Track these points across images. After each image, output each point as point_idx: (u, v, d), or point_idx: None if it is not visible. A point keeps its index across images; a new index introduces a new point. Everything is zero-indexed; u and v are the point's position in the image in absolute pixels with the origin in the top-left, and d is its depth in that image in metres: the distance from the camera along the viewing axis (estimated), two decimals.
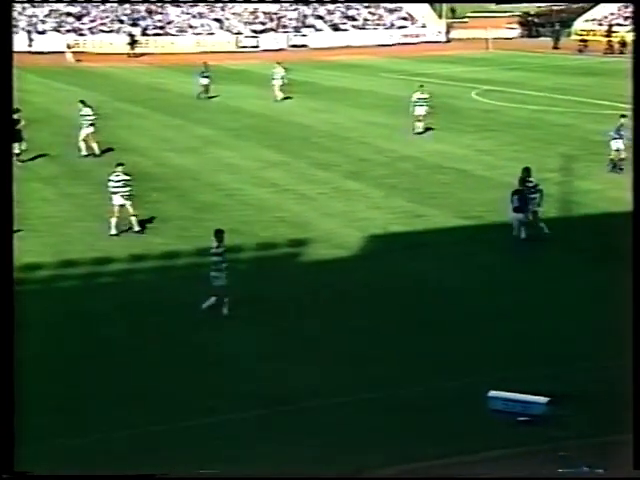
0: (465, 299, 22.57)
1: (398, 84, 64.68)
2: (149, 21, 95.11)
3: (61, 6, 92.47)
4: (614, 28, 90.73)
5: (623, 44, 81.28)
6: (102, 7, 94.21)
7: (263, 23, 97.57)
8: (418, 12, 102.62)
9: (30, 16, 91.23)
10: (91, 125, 39.27)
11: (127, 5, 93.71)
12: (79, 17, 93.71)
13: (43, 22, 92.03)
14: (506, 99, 55.80)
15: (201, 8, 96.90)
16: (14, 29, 74.76)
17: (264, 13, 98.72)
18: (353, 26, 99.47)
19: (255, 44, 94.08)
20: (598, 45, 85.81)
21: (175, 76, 72.15)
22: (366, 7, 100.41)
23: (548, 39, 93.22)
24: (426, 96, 43.97)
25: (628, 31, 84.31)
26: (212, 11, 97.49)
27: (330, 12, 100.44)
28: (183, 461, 14.62)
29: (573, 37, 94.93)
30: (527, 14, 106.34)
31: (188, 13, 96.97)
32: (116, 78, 71.25)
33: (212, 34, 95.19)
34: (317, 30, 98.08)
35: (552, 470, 14.20)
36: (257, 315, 21.30)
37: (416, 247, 26.93)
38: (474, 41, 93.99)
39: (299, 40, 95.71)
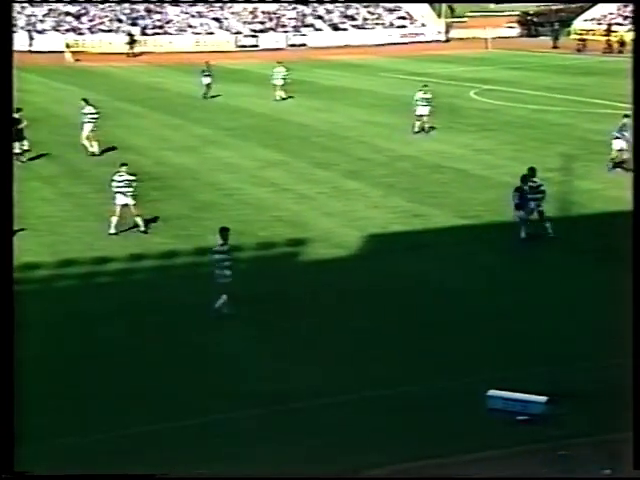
0: (465, 299, 22.55)
1: (397, 83, 64.75)
2: (148, 20, 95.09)
3: (60, 5, 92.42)
4: (613, 27, 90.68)
5: (622, 43, 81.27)
6: (101, 6, 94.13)
7: (262, 22, 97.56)
8: (417, 12, 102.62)
9: (29, 15, 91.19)
10: (93, 124, 39.29)
11: (126, 4, 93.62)
12: (78, 16, 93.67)
13: (42, 21, 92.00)
14: (505, 98, 55.79)
15: (200, 7, 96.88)
16: (13, 28, 74.64)
17: (263, 12, 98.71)
18: (352, 25, 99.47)
19: (254, 43, 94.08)
20: (597, 44, 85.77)
21: (174, 75, 72.16)
22: (365, 7, 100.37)
23: (547, 38, 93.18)
24: (429, 96, 43.96)
25: (627, 30, 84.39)
26: (211, 10, 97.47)
27: (329, 11, 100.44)
28: (183, 461, 14.62)
29: (572, 36, 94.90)
30: (526, 13, 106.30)
31: (187, 12, 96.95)
32: (115, 77, 71.26)
33: (211, 33, 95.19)
34: (316, 29, 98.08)
35: (551, 469, 14.20)
36: (257, 315, 21.28)
37: (415, 247, 26.91)
38: (473, 40, 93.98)
39: (298, 39, 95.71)
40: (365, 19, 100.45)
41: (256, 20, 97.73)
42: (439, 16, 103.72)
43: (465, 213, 29.89)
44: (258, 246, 26.65)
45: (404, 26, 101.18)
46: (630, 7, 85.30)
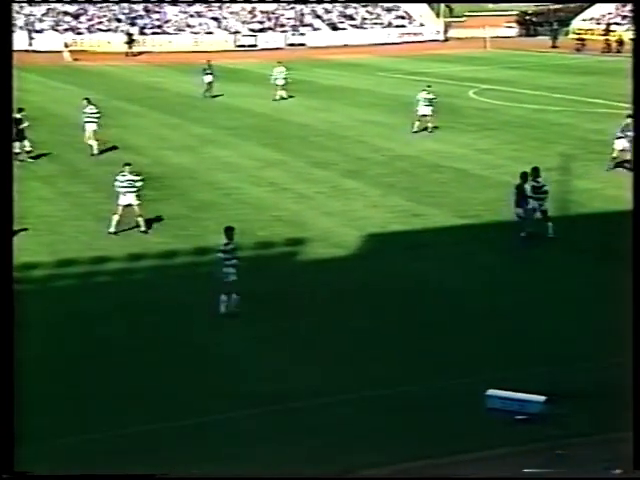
0: (465, 299, 22.54)
1: (396, 83, 64.79)
2: (147, 20, 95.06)
3: (59, 5, 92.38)
4: (612, 27, 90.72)
5: (621, 43, 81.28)
6: (100, 6, 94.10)
7: (261, 22, 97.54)
8: (416, 11, 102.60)
9: (28, 15, 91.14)
10: (94, 123, 39.30)
11: (125, 4, 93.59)
12: (77, 16, 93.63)
13: (41, 21, 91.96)
14: (504, 98, 55.78)
15: (199, 7, 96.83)
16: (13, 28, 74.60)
17: (262, 12, 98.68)
18: (351, 25, 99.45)
19: (253, 43, 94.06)
20: (596, 44, 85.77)
21: (173, 75, 72.15)
22: (364, 6, 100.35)
23: (546, 38, 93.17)
24: (432, 96, 43.97)
25: (626, 30, 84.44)
26: (210, 10, 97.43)
27: (328, 11, 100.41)
28: (183, 461, 14.61)
29: (571, 36, 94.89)
30: (525, 13, 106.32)
31: (186, 12, 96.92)
32: (113, 77, 71.23)
33: (210, 33, 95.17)
34: (315, 29, 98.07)
35: (551, 469, 14.19)
36: (256, 314, 21.25)
37: (414, 246, 26.90)
38: (472, 40, 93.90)
39: (297, 39, 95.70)
40: (364, 19, 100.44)
41: (255, 20, 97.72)
42: (438, 16, 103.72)
43: (464, 213, 29.88)
44: (257, 245, 26.62)
45: (403, 26, 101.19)
46: (629, 7, 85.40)
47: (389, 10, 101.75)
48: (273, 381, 17.93)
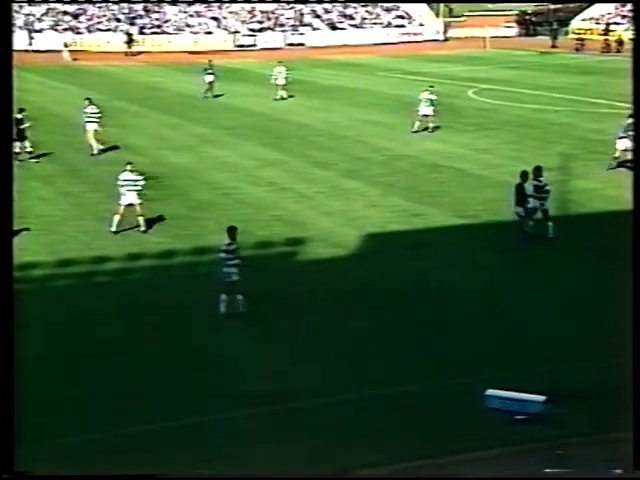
0: (464, 298, 22.54)
1: (395, 83, 64.79)
2: (146, 20, 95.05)
3: (58, 4, 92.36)
4: (611, 27, 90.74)
5: (620, 43, 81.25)
6: (99, 6, 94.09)
7: (260, 22, 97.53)
8: (415, 11, 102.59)
9: (27, 15, 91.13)
10: (96, 123, 39.31)
11: (124, 4, 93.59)
12: (76, 16, 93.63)
13: (40, 21, 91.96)
14: (504, 98, 55.79)
15: (198, 7, 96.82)
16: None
17: (261, 12, 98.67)
18: (350, 25, 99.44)
19: (252, 43, 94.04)
20: (595, 44, 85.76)
21: (172, 75, 72.14)
22: (363, 6, 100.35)
23: (546, 38, 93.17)
24: (434, 97, 43.99)
25: (625, 30, 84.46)
26: (209, 10, 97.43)
27: (327, 11, 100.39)
28: (182, 461, 14.60)
29: (570, 36, 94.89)
30: (524, 13, 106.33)
31: (185, 12, 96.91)
32: (113, 77, 71.22)
33: (209, 33, 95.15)
34: (314, 29, 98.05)
35: (549, 468, 14.20)
36: (255, 314, 21.24)
37: (414, 246, 26.90)
38: (472, 40, 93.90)
39: (296, 39, 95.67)
40: (363, 18, 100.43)
41: (254, 19, 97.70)
42: (437, 15, 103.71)
43: (464, 212, 29.88)
44: (256, 245, 26.61)
45: (402, 25, 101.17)
46: (628, 6, 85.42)
47: (388, 10, 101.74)
48: (273, 381, 17.93)
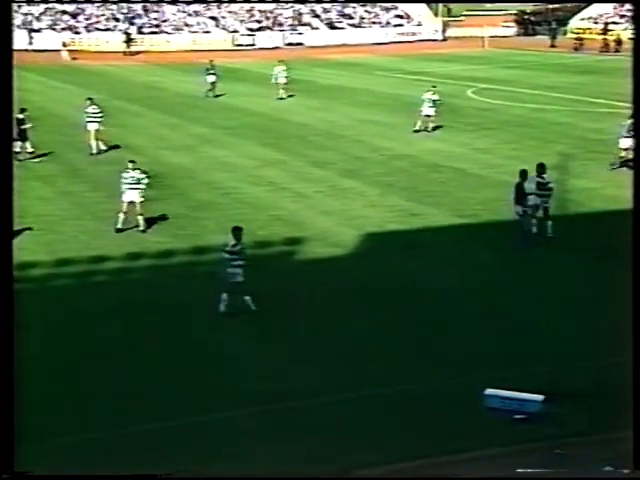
0: (463, 298, 22.54)
1: (394, 82, 64.80)
2: (145, 19, 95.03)
3: (57, 4, 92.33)
4: (610, 26, 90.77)
5: (619, 42, 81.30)
6: (98, 5, 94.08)
7: (259, 21, 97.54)
8: (414, 10, 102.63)
9: (26, 14, 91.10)
10: (97, 123, 39.31)
11: (123, 3, 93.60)
12: (75, 15, 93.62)
13: (38, 20, 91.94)
14: (503, 97, 55.81)
15: (197, 6, 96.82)
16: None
17: (260, 11, 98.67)
18: (349, 24, 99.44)
19: (251, 42, 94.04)
20: (594, 43, 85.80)
21: (171, 74, 72.14)
22: (362, 5, 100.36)
23: (544, 37, 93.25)
24: (437, 97, 44.03)
25: (624, 29, 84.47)
26: (208, 9, 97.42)
27: (326, 10, 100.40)
28: (182, 460, 14.58)
29: (569, 35, 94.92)
30: (523, 12, 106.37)
31: (184, 11, 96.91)
32: (112, 76, 71.21)
33: (208, 32, 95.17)
34: (313, 28, 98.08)
35: (550, 468, 14.21)
36: (255, 313, 21.23)
37: (413, 246, 26.91)
38: (470, 39, 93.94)
39: (295, 38, 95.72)
40: (362, 18, 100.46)
41: (253, 19, 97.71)
42: (436, 15, 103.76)
43: (463, 212, 29.88)
44: (255, 245, 26.59)
45: (401, 25, 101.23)
46: (627, 6, 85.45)
47: (387, 9, 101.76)
48: (272, 380, 17.92)
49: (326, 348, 19.53)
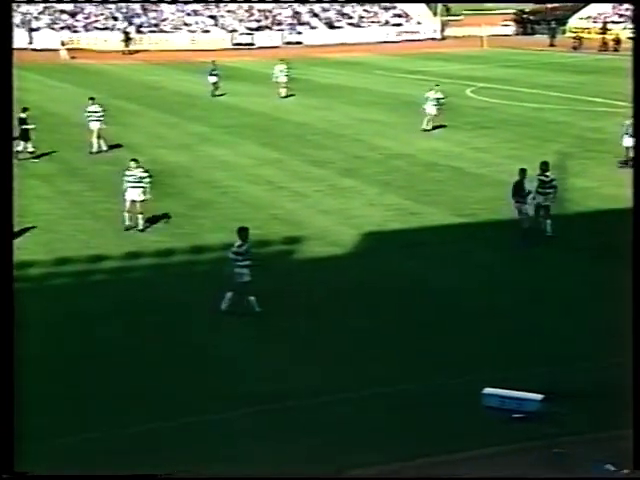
0: (462, 297, 22.53)
1: (393, 81, 64.78)
2: (144, 18, 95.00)
3: (55, 3, 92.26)
4: (608, 26, 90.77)
5: (617, 42, 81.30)
6: (96, 4, 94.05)
7: (258, 20, 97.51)
8: (413, 10, 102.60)
9: (24, 13, 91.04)
10: (99, 122, 39.32)
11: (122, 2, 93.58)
12: (73, 14, 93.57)
13: (37, 19, 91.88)
14: (501, 96, 55.81)
15: (196, 5, 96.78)
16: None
17: (259, 10, 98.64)
18: (348, 23, 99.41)
19: (250, 41, 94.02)
20: (593, 43, 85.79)
21: (170, 73, 72.11)
22: (361, 5, 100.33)
23: (543, 37, 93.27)
24: (440, 96, 44.04)
25: (622, 29, 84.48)
26: (207, 8, 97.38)
27: (325, 9, 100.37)
28: (183, 460, 14.59)
29: (568, 35, 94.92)
30: (522, 12, 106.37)
31: (183, 10, 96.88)
32: (111, 75, 71.17)
33: (207, 31, 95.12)
34: (312, 27, 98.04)
35: (547, 467, 14.21)
36: (254, 313, 21.22)
37: (411, 245, 26.89)
38: (469, 39, 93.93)
39: (294, 37, 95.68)
40: (361, 17, 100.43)
41: (252, 18, 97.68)
42: (435, 14, 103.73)
43: (461, 211, 29.88)
44: (253, 244, 26.54)
45: (400, 24, 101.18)
46: (625, 5, 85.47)
47: (386, 9, 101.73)
48: (272, 381, 17.91)
49: (326, 348, 19.52)
